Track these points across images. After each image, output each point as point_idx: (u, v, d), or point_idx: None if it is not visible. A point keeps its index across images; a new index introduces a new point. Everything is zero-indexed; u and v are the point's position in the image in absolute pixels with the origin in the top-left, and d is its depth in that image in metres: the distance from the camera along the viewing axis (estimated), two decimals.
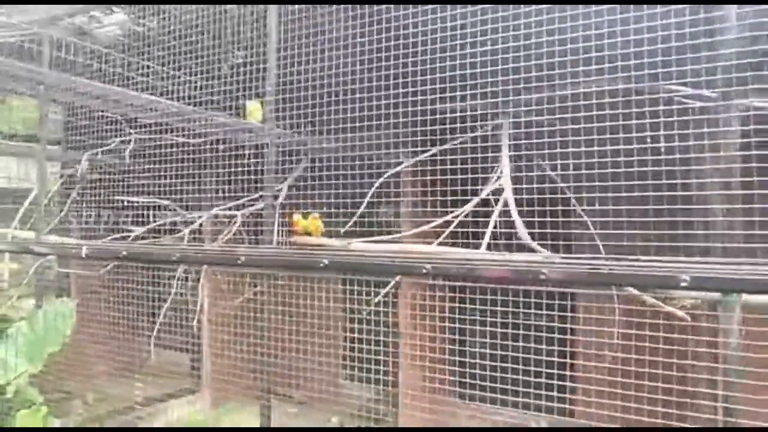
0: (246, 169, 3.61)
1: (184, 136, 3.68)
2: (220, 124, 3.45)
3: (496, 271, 2.18)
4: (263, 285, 3.82)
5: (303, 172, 3.91)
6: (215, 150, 3.69)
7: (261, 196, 3.64)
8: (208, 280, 4.60)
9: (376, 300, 3.80)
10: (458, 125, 2.99)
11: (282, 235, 3.61)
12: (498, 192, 3.18)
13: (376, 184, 3.52)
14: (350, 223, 3.47)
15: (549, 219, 2.78)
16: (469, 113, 2.94)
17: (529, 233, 2.92)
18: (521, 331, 3.28)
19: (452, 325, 4.26)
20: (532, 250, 2.83)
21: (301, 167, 3.94)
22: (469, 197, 3.22)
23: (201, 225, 4.13)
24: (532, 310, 3.18)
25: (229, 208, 3.97)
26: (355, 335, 4.05)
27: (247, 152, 3.59)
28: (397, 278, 3.80)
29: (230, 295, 4.52)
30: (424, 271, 2.23)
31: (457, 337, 4.19)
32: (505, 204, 3.12)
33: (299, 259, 2.42)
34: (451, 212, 3.25)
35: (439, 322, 4.09)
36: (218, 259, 2.84)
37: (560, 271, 2.04)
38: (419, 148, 3.48)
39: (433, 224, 3.34)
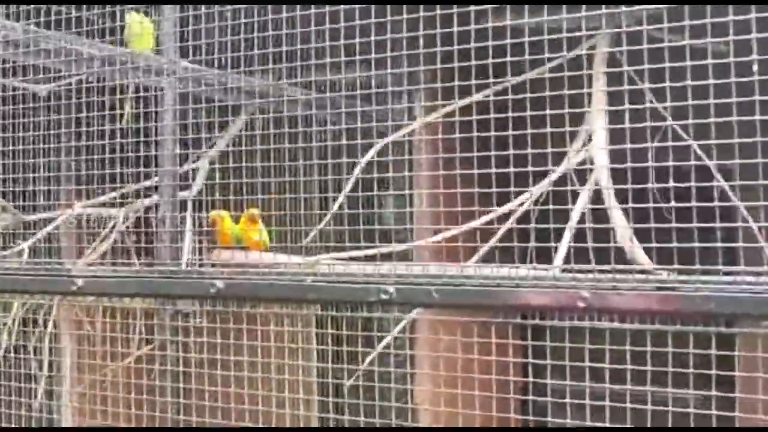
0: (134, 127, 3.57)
1: (19, 79, 3.62)
2: (80, 57, 3.38)
3: (513, 296, 2.40)
4: (165, 330, 3.76)
5: (234, 140, 3.83)
6: (78, 103, 3.54)
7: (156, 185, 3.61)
8: (70, 325, 4.56)
9: (368, 361, 3.71)
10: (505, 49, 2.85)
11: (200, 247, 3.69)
12: (584, 170, 3.23)
13: (367, 157, 3.46)
14: (322, 225, 3.43)
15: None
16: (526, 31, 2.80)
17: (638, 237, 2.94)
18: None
19: (524, 397, 4.19)
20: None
21: (231, 132, 3.80)
22: (531, 179, 3.13)
23: (56, 231, 4.15)
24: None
25: (104, 205, 4.01)
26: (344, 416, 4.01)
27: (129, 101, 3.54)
28: (414, 314, 3.75)
29: (114, 350, 4.45)
30: (384, 296, 2.45)
31: (532, 418, 4.14)
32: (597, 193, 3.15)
33: (169, 282, 2.80)
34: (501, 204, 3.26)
35: (500, 392, 4.01)
36: (32, 285, 3.13)
37: (613, 293, 2.22)
38: (440, 85, 3.29)
39: (467, 226, 3.34)
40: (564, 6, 2.77)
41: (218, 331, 4.09)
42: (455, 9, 2.88)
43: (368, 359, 3.84)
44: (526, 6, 2.87)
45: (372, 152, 3.51)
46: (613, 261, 2.78)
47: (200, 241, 3.73)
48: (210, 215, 3.56)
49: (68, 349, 4.68)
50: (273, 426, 4.20)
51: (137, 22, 3.57)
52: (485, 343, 3.78)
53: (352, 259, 3.25)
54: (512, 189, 3.13)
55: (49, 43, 3.41)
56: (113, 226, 4.00)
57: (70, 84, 3.50)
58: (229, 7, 3.21)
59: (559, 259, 3.04)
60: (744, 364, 3.61)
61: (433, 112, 3.59)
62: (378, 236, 3.47)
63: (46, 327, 4.40)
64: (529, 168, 3.00)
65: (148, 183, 3.83)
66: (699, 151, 2.93)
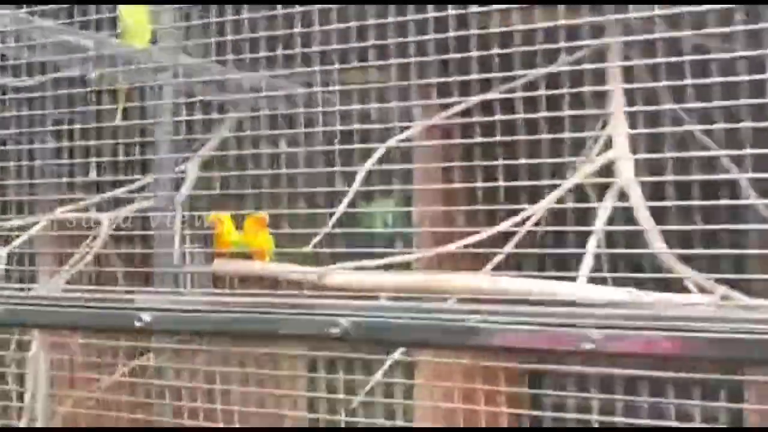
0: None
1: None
2: (72, 48, 3.27)
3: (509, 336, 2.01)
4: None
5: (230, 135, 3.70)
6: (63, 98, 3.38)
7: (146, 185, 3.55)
8: (47, 346, 4.36)
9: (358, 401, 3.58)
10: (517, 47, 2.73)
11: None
12: (607, 173, 3.12)
13: (368, 165, 3.36)
14: (322, 233, 3.24)
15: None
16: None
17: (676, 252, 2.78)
18: None
19: None
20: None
21: (223, 128, 3.72)
22: (546, 184, 3.01)
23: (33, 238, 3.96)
24: None
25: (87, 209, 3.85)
26: None
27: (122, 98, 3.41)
28: (396, 354, 3.61)
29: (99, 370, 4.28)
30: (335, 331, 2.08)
31: None
32: (623, 196, 3.04)
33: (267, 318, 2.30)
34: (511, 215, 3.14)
35: None
36: (82, 319, 2.65)
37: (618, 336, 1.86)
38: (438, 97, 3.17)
39: (476, 238, 3.20)
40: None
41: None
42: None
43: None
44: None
45: (370, 162, 3.38)
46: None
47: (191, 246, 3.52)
48: (209, 217, 3.37)
49: (43, 375, 4.45)
50: None
51: (132, 11, 3.49)
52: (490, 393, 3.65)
53: (361, 268, 3.13)
54: (526, 182, 2.96)
55: (35, 32, 3.33)
56: (94, 236, 3.82)
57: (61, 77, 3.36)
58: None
59: (584, 272, 2.89)
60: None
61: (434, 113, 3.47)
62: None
63: (21, 349, 4.22)
64: (549, 160, 2.94)
65: (139, 183, 3.71)
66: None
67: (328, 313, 2.18)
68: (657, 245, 2.79)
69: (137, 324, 2.32)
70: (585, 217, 3.00)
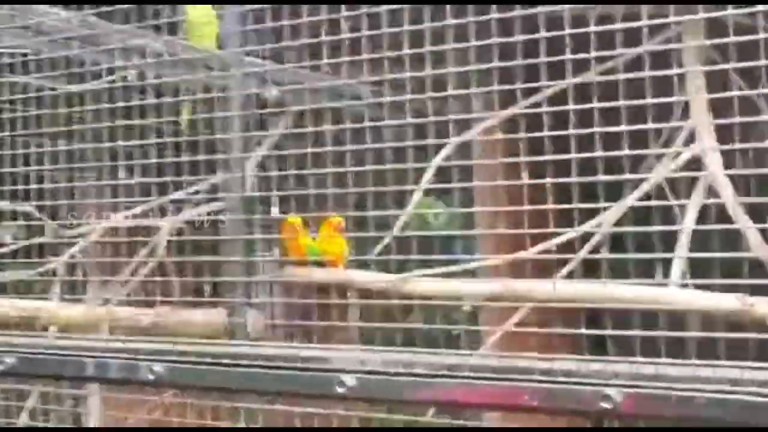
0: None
1: (61, 78, 3.33)
2: (134, 53, 3.18)
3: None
4: None
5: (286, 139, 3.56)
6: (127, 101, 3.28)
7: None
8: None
9: None
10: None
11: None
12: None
13: (432, 167, 3.22)
14: (388, 238, 3.13)
15: None
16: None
17: None
18: None
19: None
20: None
21: (280, 127, 3.61)
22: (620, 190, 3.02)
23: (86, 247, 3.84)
24: None
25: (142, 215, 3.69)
26: None
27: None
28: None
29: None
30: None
31: None
32: (711, 195, 2.90)
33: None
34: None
35: None
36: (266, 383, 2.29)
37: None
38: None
39: (541, 246, 3.05)
40: None
41: None
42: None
43: None
44: None
45: (436, 162, 3.27)
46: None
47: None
48: (287, 221, 3.27)
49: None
50: None
51: (199, 13, 3.46)
52: None
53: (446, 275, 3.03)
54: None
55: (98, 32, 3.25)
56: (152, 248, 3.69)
57: (122, 79, 3.25)
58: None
59: (675, 275, 2.78)
60: None
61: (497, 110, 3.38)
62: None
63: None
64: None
65: (205, 184, 3.55)
66: None
67: (597, 383, 1.77)
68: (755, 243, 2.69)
69: (339, 390, 2.00)
70: (668, 217, 2.94)
